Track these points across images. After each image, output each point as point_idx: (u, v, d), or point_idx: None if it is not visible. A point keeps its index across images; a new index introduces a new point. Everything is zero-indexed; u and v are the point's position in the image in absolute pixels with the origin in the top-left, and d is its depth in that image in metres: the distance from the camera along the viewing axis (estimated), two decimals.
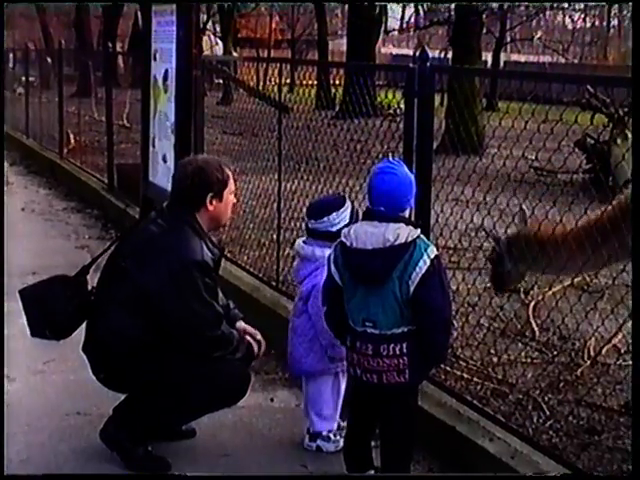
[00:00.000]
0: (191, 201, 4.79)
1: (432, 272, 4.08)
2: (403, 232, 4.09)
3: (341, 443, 4.98)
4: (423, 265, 4.07)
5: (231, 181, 4.90)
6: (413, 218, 4.64)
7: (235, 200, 5.03)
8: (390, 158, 4.40)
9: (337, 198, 5.08)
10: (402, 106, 5.32)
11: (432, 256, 4.11)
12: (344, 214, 4.87)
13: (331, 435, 5.08)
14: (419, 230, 4.18)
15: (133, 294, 4.67)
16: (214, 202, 4.79)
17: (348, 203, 4.95)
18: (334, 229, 4.79)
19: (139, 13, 27.53)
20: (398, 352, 4.19)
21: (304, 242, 5.02)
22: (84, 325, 4.95)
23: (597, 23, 55.56)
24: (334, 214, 4.85)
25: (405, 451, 4.49)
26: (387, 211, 4.15)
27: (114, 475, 4.75)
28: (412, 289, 4.09)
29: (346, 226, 4.57)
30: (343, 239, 4.23)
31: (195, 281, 4.61)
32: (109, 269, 4.92)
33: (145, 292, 4.63)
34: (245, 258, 7.96)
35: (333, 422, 5.10)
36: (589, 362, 5.85)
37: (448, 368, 5.52)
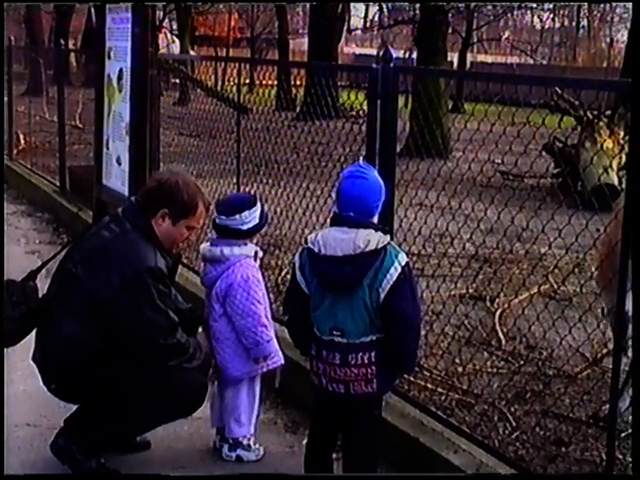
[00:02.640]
0: (147, 205, 4.68)
1: (403, 280, 4.02)
2: (373, 238, 4.01)
3: (261, 452, 5.03)
4: (394, 272, 4.01)
5: (197, 218, 4.75)
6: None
7: (189, 235, 4.87)
8: (360, 162, 4.28)
9: (249, 197, 5.10)
10: (365, 107, 5.21)
11: (403, 263, 4.05)
12: (255, 214, 4.87)
13: (251, 444, 5.05)
14: (389, 236, 4.11)
15: (84, 302, 4.55)
16: (166, 220, 4.66)
17: (259, 204, 4.95)
18: (245, 227, 4.83)
19: (92, 9, 27.25)
20: (366, 361, 4.13)
21: (211, 244, 4.97)
22: (34, 333, 4.81)
23: (566, 23, 55.88)
24: (246, 212, 4.84)
25: (368, 463, 4.41)
26: (356, 216, 4.07)
27: (114, 474, 4.66)
28: (382, 297, 4.03)
29: (256, 227, 4.84)
30: (310, 245, 4.13)
31: (148, 288, 4.50)
32: (59, 275, 4.79)
33: (97, 300, 4.51)
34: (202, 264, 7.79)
35: (250, 426, 5.04)
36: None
37: (412, 378, 5.44)
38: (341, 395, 4.20)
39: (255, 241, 5.04)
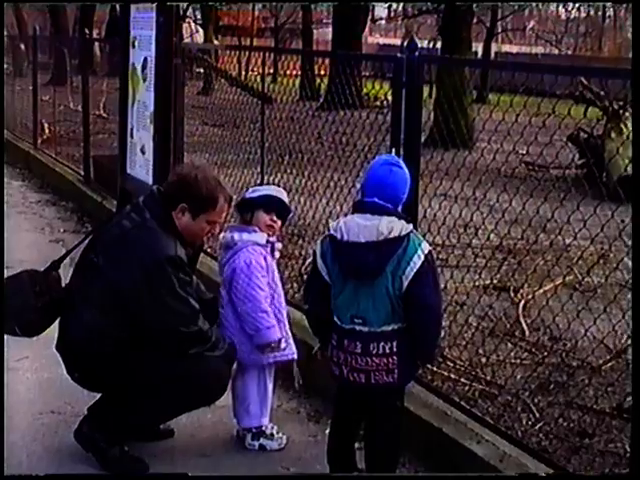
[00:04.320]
0: (168, 199, 4.68)
1: (426, 268, 4.03)
2: (397, 226, 4.02)
3: (284, 441, 5.03)
4: (417, 260, 4.01)
5: (218, 213, 4.72)
6: None
7: (211, 230, 4.84)
8: (392, 153, 4.42)
9: None
10: (389, 97, 5.20)
11: (426, 251, 4.06)
12: (269, 190, 5.06)
13: (274, 432, 5.05)
14: (412, 225, 4.11)
15: (106, 292, 4.57)
16: (185, 214, 4.65)
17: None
18: (255, 195, 4.97)
19: None
20: (388, 351, 4.12)
21: (227, 232, 5.07)
22: (57, 321, 4.83)
23: (592, 13, 55.31)
24: (258, 187, 5.19)
25: (391, 454, 4.42)
26: (381, 202, 4.07)
27: (117, 475, 4.64)
28: (406, 285, 4.03)
29: (266, 198, 4.89)
30: (332, 232, 4.13)
31: (169, 277, 4.51)
32: (81, 265, 4.81)
33: (118, 290, 4.53)
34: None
35: (262, 418, 5.04)
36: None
37: (435, 368, 5.43)
38: (362, 385, 4.19)
39: (278, 233, 5.05)
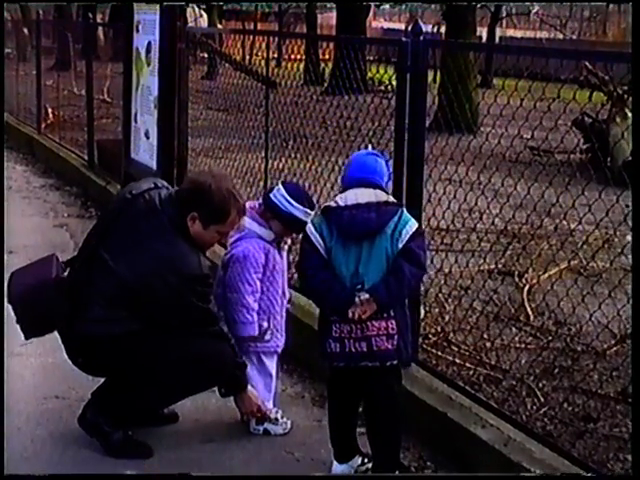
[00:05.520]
0: (181, 206, 4.63)
1: (421, 233, 4.29)
2: (390, 197, 4.30)
3: (289, 425, 5.05)
4: (413, 225, 4.23)
5: (229, 225, 4.68)
6: (403, 197, 4.88)
7: (221, 239, 4.85)
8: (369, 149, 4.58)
9: (309, 197, 5.08)
10: (394, 82, 5.19)
11: (417, 224, 4.31)
12: (295, 207, 4.81)
13: (279, 417, 5.05)
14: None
15: (120, 291, 4.55)
16: (196, 222, 4.61)
17: (308, 211, 4.83)
18: (274, 198, 4.83)
19: None
20: (385, 315, 4.23)
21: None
22: None
23: None
24: (292, 199, 4.82)
25: (392, 436, 4.44)
26: (372, 178, 4.30)
27: (118, 475, 4.60)
28: (401, 245, 4.18)
29: (279, 209, 4.78)
30: (330, 203, 4.28)
31: (196, 294, 4.54)
32: (88, 256, 4.75)
33: (139, 296, 4.53)
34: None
35: (265, 402, 5.02)
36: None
37: (440, 353, 5.41)
38: (364, 354, 4.23)
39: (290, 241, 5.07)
